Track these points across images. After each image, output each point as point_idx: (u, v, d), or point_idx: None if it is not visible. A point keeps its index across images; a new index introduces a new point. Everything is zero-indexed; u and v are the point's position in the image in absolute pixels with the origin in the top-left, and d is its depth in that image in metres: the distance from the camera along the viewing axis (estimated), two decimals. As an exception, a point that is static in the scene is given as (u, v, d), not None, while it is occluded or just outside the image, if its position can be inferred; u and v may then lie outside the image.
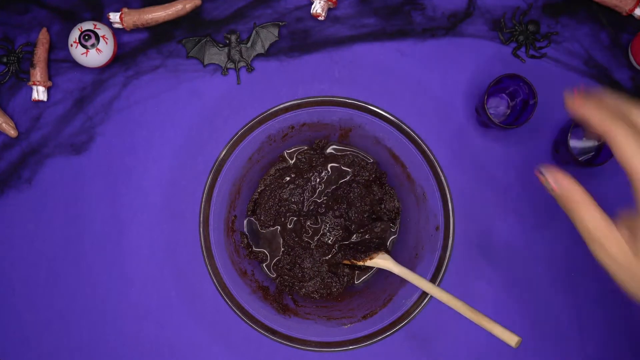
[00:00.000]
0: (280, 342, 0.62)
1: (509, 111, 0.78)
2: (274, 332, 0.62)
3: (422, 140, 0.64)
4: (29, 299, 0.79)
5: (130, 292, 0.79)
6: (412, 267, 0.68)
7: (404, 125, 0.64)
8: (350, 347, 0.62)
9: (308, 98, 0.65)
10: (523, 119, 0.74)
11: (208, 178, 0.63)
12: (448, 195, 0.64)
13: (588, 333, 0.78)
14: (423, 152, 0.64)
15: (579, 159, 0.73)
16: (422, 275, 0.65)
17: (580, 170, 0.79)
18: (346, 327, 0.65)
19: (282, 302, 0.68)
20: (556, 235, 0.79)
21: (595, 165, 0.74)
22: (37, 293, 0.79)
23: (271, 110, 0.65)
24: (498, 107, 0.79)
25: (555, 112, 0.79)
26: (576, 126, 0.77)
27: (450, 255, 0.63)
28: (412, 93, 0.80)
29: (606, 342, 0.78)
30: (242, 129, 0.64)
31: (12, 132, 0.79)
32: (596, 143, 0.77)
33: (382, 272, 0.74)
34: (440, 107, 0.80)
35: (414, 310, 0.64)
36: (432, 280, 0.64)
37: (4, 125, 0.79)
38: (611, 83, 0.80)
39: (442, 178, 0.64)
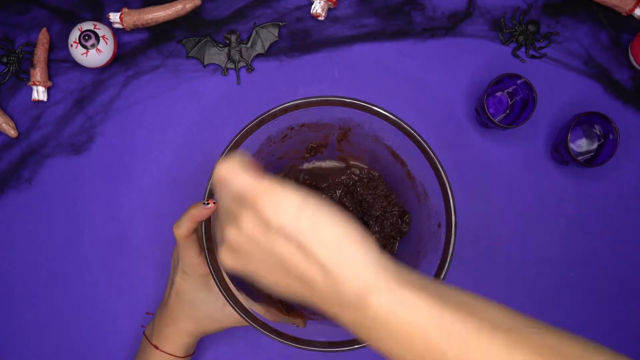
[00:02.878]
0: (285, 343, 0.62)
1: (508, 111, 0.79)
2: (278, 334, 0.62)
3: (421, 137, 0.64)
4: (29, 299, 0.79)
5: (131, 292, 0.79)
6: (415, 265, 0.68)
7: (402, 123, 0.64)
8: (356, 346, 0.62)
9: (307, 99, 0.64)
10: (523, 119, 0.75)
11: (209, 183, 0.62)
12: (449, 191, 0.63)
13: (591, 332, 0.78)
14: (423, 149, 0.64)
15: (579, 159, 0.74)
16: (427, 272, 0.64)
17: (580, 170, 0.79)
18: None
19: (286, 303, 0.68)
20: (556, 234, 0.79)
21: (595, 165, 0.74)
22: (37, 293, 0.79)
23: (270, 112, 0.64)
24: (498, 107, 0.79)
25: (555, 112, 0.80)
26: (576, 126, 0.77)
27: (453, 252, 0.63)
28: (412, 93, 0.80)
29: (609, 341, 0.78)
30: (241, 131, 0.63)
31: (12, 132, 0.79)
32: (596, 143, 0.77)
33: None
34: (440, 107, 0.80)
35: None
36: (436, 276, 0.63)
37: (4, 125, 0.79)
38: (611, 83, 0.80)
39: (443, 174, 0.63)
